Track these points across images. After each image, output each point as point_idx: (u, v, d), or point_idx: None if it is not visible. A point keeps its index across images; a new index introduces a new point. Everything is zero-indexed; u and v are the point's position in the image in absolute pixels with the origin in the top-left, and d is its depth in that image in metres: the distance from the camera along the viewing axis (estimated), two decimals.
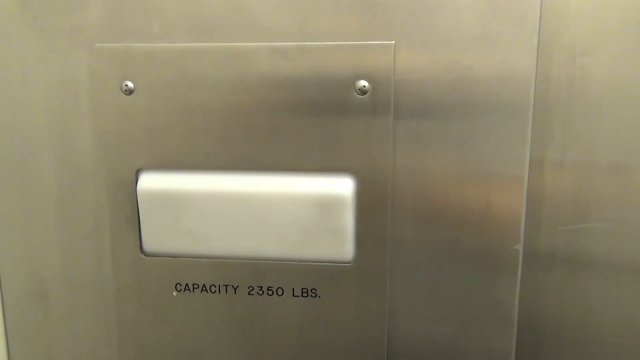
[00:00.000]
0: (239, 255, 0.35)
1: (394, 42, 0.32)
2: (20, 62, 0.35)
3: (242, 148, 0.34)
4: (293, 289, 0.35)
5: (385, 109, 0.32)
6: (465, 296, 0.34)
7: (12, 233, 0.37)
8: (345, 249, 0.34)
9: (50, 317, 0.38)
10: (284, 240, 0.34)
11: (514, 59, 0.31)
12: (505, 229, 0.33)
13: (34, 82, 0.35)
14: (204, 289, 0.36)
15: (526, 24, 0.31)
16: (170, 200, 0.34)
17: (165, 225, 0.35)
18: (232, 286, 0.35)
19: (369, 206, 0.33)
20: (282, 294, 0.35)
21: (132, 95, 0.34)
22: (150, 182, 0.34)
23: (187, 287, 0.36)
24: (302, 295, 0.35)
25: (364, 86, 0.32)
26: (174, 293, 0.36)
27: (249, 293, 0.35)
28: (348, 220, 0.33)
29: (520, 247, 0.33)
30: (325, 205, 0.33)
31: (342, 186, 0.33)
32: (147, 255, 0.36)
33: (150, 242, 0.35)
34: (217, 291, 0.35)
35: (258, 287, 0.35)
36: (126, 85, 0.34)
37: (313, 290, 0.35)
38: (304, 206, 0.33)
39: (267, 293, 0.35)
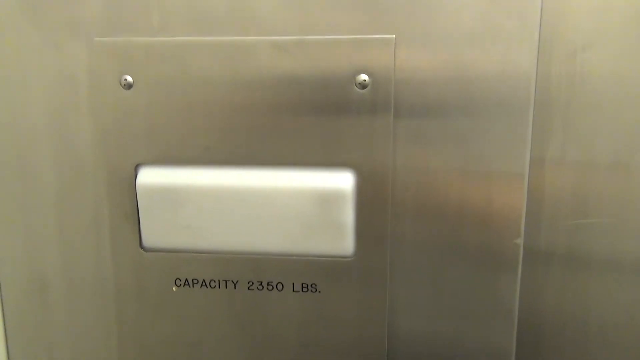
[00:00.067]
0: (238, 250, 0.35)
1: (394, 36, 0.32)
2: (18, 56, 0.35)
3: (242, 142, 0.33)
4: (293, 284, 0.35)
5: (385, 103, 0.32)
6: (466, 293, 0.34)
7: (11, 229, 0.37)
8: (345, 243, 0.34)
9: (50, 313, 0.38)
10: (284, 235, 0.34)
11: (514, 56, 0.31)
12: (505, 227, 0.33)
13: (32, 76, 0.35)
14: (204, 284, 0.35)
15: (527, 21, 0.31)
16: (169, 196, 0.34)
17: (164, 220, 0.35)
18: (232, 281, 0.35)
19: (369, 200, 0.33)
20: (282, 289, 0.35)
21: (132, 89, 0.34)
22: (149, 177, 0.34)
23: (186, 282, 0.36)
24: (302, 291, 0.35)
25: (365, 80, 0.32)
26: (174, 288, 0.36)
27: (248, 288, 0.35)
28: (348, 215, 0.33)
29: (520, 240, 0.33)
30: (325, 199, 0.33)
31: (342, 180, 0.33)
32: (146, 251, 0.35)
33: (150, 238, 0.35)
34: (217, 286, 0.35)
35: (258, 282, 0.35)
36: (125, 79, 0.34)
37: (313, 285, 0.35)
38: (304, 201, 0.33)
39: (267, 288, 0.35)
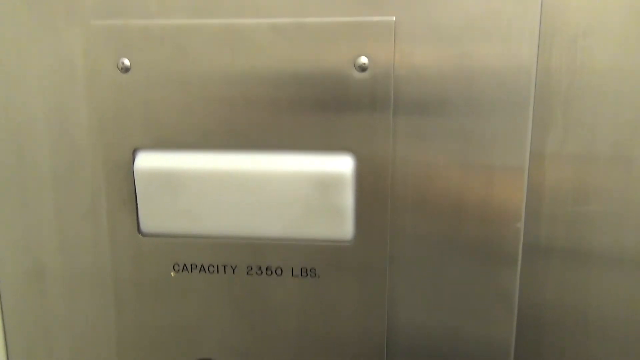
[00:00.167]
0: (237, 235, 0.34)
1: (394, 18, 0.31)
2: (14, 40, 0.34)
3: (240, 126, 0.33)
4: (292, 268, 0.35)
5: (385, 86, 0.32)
6: (466, 286, 0.34)
7: (8, 216, 0.37)
8: (344, 227, 0.34)
9: (48, 300, 0.38)
10: (283, 219, 0.34)
11: (514, 47, 0.31)
12: (505, 220, 0.33)
13: (28, 60, 0.34)
14: (202, 269, 0.35)
15: (527, 12, 0.31)
16: (167, 180, 0.34)
17: (163, 205, 0.34)
18: (231, 266, 0.35)
19: (369, 185, 0.33)
20: (281, 273, 0.35)
21: (129, 73, 0.33)
22: (147, 161, 0.34)
23: (185, 268, 0.35)
24: (301, 275, 0.35)
25: (364, 63, 0.32)
26: (172, 273, 0.36)
27: (247, 273, 0.35)
28: (348, 199, 0.33)
29: (521, 225, 0.33)
30: (325, 183, 0.33)
31: (342, 164, 0.33)
32: (144, 236, 0.35)
33: (148, 222, 0.35)
34: (216, 271, 0.35)
35: (257, 267, 0.35)
36: (122, 63, 0.33)
37: (312, 270, 0.35)
38: (303, 185, 0.33)
39: (266, 273, 0.35)
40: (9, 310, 0.39)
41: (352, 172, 0.33)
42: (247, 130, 0.33)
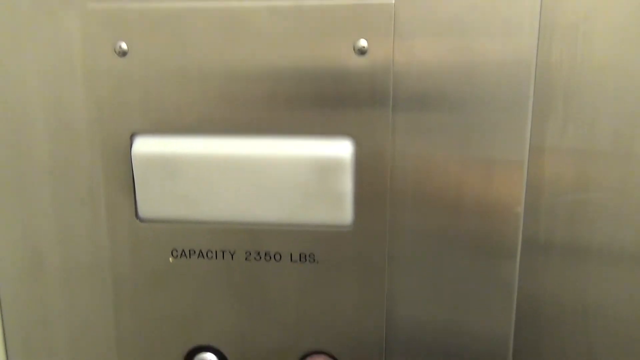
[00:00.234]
0: (236, 220, 0.34)
1: (393, 1, 0.31)
2: (9, 23, 0.34)
3: (239, 111, 0.33)
4: (291, 254, 0.35)
5: (385, 69, 0.32)
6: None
7: (5, 202, 0.37)
8: (343, 212, 0.33)
9: (46, 287, 0.38)
10: (281, 204, 0.34)
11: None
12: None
13: (24, 44, 0.34)
14: (201, 254, 0.35)
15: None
16: (166, 165, 0.34)
17: (161, 190, 0.34)
18: (229, 252, 0.35)
19: (368, 169, 0.33)
20: (280, 259, 0.35)
21: (126, 57, 0.33)
22: (145, 146, 0.34)
23: (183, 253, 0.35)
24: (300, 261, 0.35)
25: (364, 46, 0.31)
26: (170, 259, 0.35)
27: (246, 259, 0.35)
28: (347, 184, 0.33)
29: (521, 209, 0.33)
30: (324, 168, 0.33)
31: (341, 149, 0.33)
32: (142, 222, 0.35)
33: (146, 208, 0.35)
34: (214, 257, 0.35)
35: (255, 252, 0.35)
36: (120, 46, 0.33)
37: (311, 256, 0.34)
38: (302, 169, 0.33)
39: (265, 259, 0.35)
40: (7, 299, 0.39)
41: (351, 157, 0.33)
42: (246, 114, 0.33)
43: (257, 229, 0.34)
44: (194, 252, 0.35)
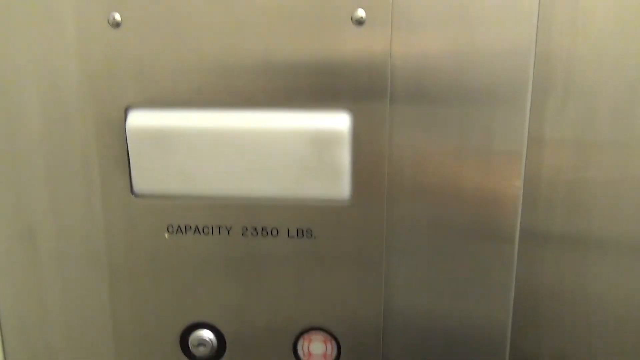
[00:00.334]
0: (232, 195, 0.34)
1: None
2: None
3: (235, 83, 0.32)
4: (288, 229, 0.34)
5: (383, 39, 0.31)
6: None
7: None
8: (341, 186, 0.33)
9: (40, 263, 0.37)
10: (278, 178, 0.33)
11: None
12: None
13: (15, 16, 0.33)
14: (197, 230, 0.35)
15: None
16: (161, 139, 0.33)
17: (156, 164, 0.34)
18: (226, 227, 0.35)
19: (366, 143, 0.33)
20: (277, 234, 0.34)
21: (120, 28, 0.32)
22: (140, 119, 0.33)
23: (179, 229, 0.35)
24: (297, 236, 0.34)
25: (362, 17, 0.31)
26: (166, 235, 0.35)
27: (242, 234, 0.35)
28: (344, 157, 0.33)
29: (520, 184, 0.33)
30: (321, 141, 0.32)
31: (338, 121, 0.32)
32: (137, 197, 0.35)
33: (141, 183, 0.34)
34: (210, 233, 0.35)
35: (252, 228, 0.34)
36: (113, 17, 0.32)
37: (308, 231, 0.34)
38: (299, 143, 0.32)
39: (262, 234, 0.34)
40: (1, 273, 0.38)
41: (348, 130, 0.32)
42: (242, 87, 0.33)
43: (254, 204, 0.34)
44: (190, 227, 0.35)
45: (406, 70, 0.32)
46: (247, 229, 0.34)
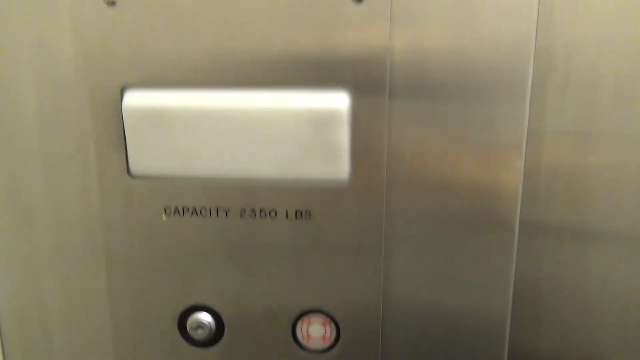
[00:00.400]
0: (230, 176, 0.33)
1: None
2: None
3: (233, 62, 0.32)
4: (287, 211, 0.34)
5: (382, 17, 0.31)
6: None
7: None
8: (340, 166, 0.33)
9: (36, 245, 0.37)
10: (276, 159, 0.33)
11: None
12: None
13: None
14: (194, 212, 0.34)
15: None
16: (158, 119, 0.33)
17: (153, 145, 0.33)
18: (224, 209, 0.34)
19: (366, 122, 0.32)
20: (276, 216, 0.34)
21: (115, 6, 0.32)
22: (136, 99, 0.33)
23: (176, 211, 0.34)
24: (296, 218, 0.34)
25: None
26: (163, 217, 0.35)
27: (240, 216, 0.34)
28: (343, 137, 0.32)
29: (521, 163, 0.32)
30: (320, 121, 0.32)
31: (338, 101, 0.32)
32: (134, 178, 0.34)
33: (138, 164, 0.34)
34: (208, 214, 0.34)
35: (250, 209, 0.34)
36: None
37: (307, 212, 0.34)
38: (297, 122, 0.32)
39: (260, 216, 0.34)
40: None
41: (348, 109, 0.32)
42: (240, 66, 0.32)
43: (252, 185, 0.34)
44: (188, 209, 0.34)
45: (406, 53, 0.31)
46: (245, 211, 0.34)
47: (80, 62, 0.33)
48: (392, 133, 0.32)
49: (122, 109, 0.33)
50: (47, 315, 0.38)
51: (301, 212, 0.34)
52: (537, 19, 0.31)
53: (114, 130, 0.34)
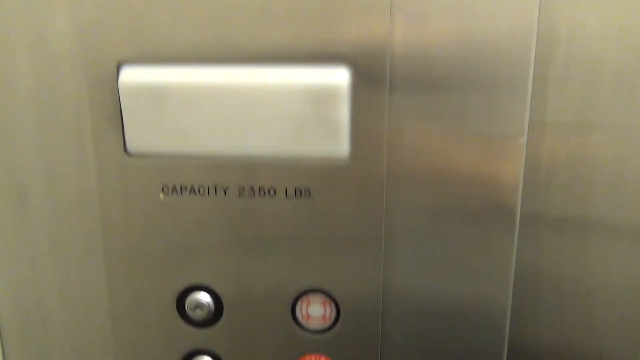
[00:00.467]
0: (228, 154, 0.33)
1: None
2: None
3: (231, 37, 0.31)
4: (286, 189, 0.33)
5: None
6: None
7: None
8: (340, 144, 0.32)
9: (32, 225, 0.37)
10: (275, 136, 0.32)
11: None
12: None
13: None
14: (192, 190, 0.34)
15: None
16: (155, 96, 0.32)
17: (150, 122, 0.33)
18: (222, 187, 0.34)
19: (366, 98, 0.32)
20: (275, 194, 0.34)
21: None
22: (133, 76, 0.32)
23: (174, 189, 0.34)
24: (295, 196, 0.34)
25: None
26: (161, 196, 0.34)
27: (239, 194, 0.34)
28: (343, 114, 0.32)
29: (524, 140, 0.32)
30: (320, 97, 0.31)
31: (337, 76, 0.31)
32: (131, 156, 0.34)
33: (135, 141, 0.33)
34: (206, 193, 0.34)
35: (249, 187, 0.34)
36: None
37: (307, 191, 0.33)
38: (296, 98, 0.31)
39: (259, 194, 0.34)
40: None
41: (348, 85, 0.31)
42: (239, 42, 0.32)
43: (251, 162, 0.33)
44: (186, 188, 0.34)
45: (407, 35, 0.31)
46: (244, 189, 0.34)
47: (75, 37, 0.33)
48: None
49: (119, 86, 0.32)
50: (43, 291, 0.38)
51: (301, 191, 0.33)
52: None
53: (111, 107, 0.33)
